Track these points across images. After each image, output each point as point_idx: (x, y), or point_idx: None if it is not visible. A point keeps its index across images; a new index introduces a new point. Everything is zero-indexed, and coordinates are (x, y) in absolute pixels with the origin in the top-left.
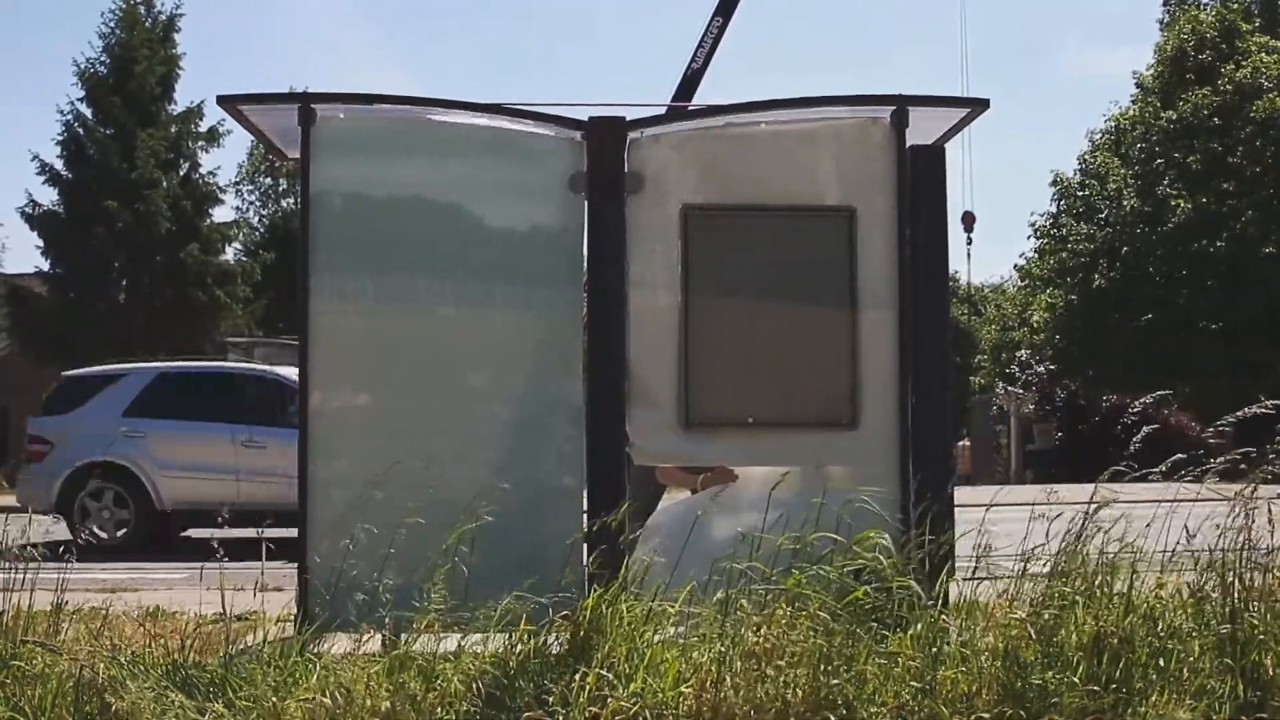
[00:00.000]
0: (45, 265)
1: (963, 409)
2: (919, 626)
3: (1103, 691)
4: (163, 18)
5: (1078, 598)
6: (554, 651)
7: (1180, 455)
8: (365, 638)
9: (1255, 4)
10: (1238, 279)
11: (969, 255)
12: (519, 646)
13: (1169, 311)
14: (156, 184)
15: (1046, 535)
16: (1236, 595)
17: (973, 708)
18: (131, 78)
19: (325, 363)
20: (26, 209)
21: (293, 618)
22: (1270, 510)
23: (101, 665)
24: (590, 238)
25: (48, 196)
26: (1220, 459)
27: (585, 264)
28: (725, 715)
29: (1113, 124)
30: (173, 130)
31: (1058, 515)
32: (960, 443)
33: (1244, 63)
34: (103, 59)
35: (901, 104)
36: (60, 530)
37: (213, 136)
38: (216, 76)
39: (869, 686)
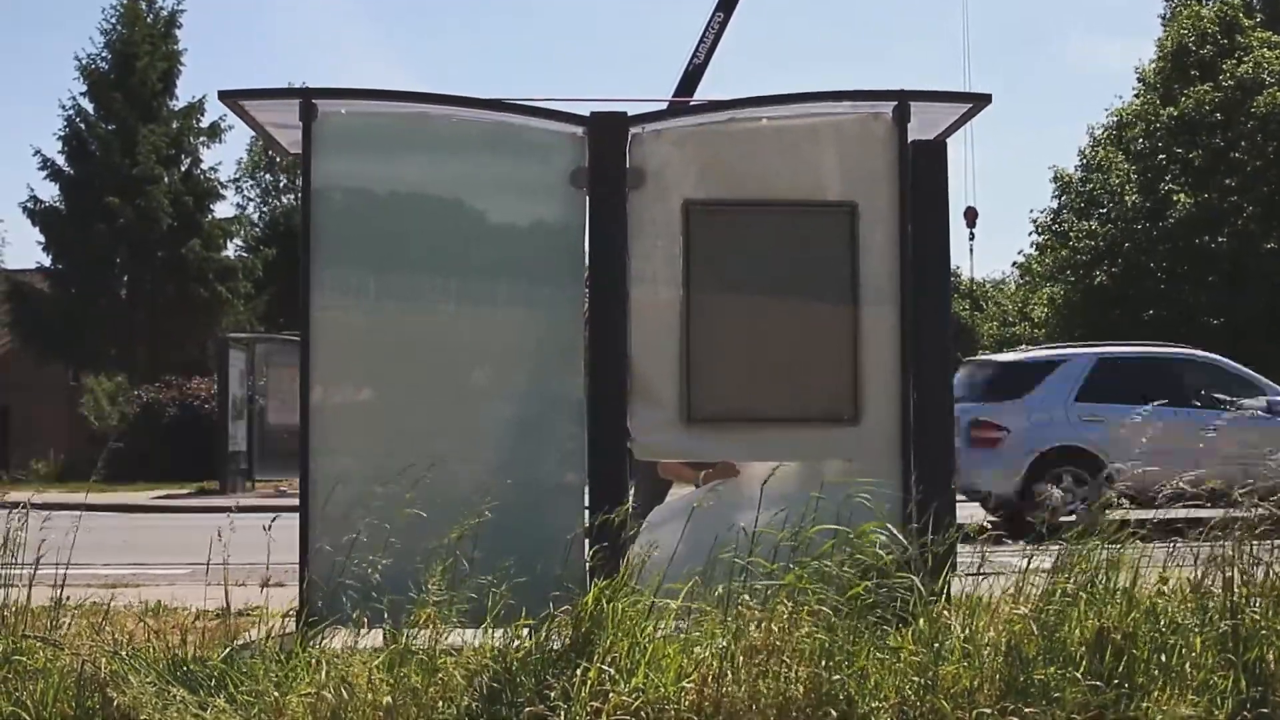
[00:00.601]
0: (47, 261)
1: None
2: (921, 622)
3: (1105, 687)
4: (164, 13)
5: (1080, 593)
6: (555, 647)
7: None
8: (366, 633)
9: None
10: (1240, 275)
11: (971, 250)
12: (520, 641)
13: (1171, 308)
14: (158, 180)
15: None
16: (1237, 591)
17: (975, 703)
18: (133, 73)
19: (327, 359)
20: (28, 204)
21: (294, 613)
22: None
23: (103, 660)
24: (592, 233)
25: (49, 192)
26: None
27: (587, 260)
28: (727, 710)
29: (1114, 118)
30: (174, 126)
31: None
32: None
33: (1245, 58)
34: (104, 55)
35: (903, 99)
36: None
37: (214, 132)
38: (218, 72)
39: (871, 682)
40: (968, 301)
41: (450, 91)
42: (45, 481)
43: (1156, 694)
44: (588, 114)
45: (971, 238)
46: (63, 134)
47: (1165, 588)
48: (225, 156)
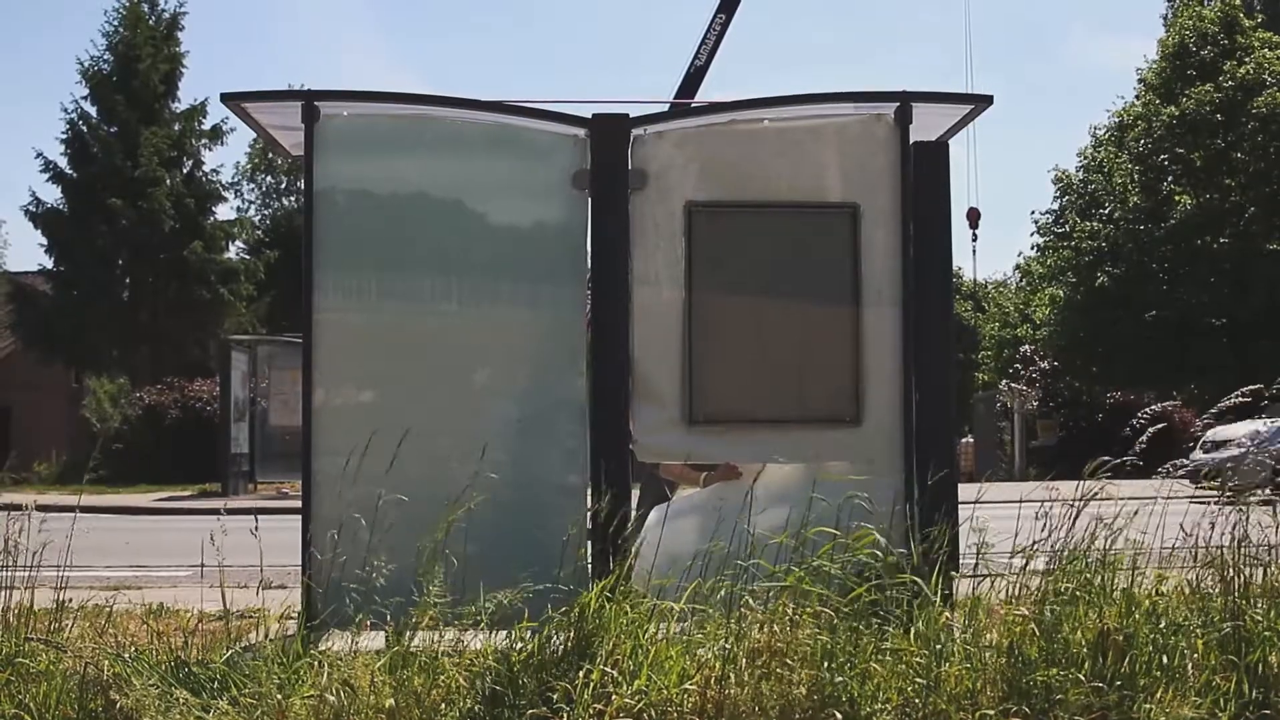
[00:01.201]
0: (49, 263)
1: (966, 405)
2: (921, 623)
3: (1107, 688)
4: (166, 16)
5: (1079, 594)
6: (557, 648)
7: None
8: (368, 634)
9: (1258, 0)
10: (1241, 275)
11: (974, 251)
12: (522, 643)
13: (1172, 309)
14: (160, 182)
15: (1046, 530)
16: (1238, 592)
17: (977, 704)
18: (135, 76)
19: (329, 360)
20: (30, 207)
21: (296, 615)
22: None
23: (106, 662)
24: (594, 235)
25: (51, 194)
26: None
27: (589, 261)
28: (730, 712)
29: (1116, 119)
30: (176, 128)
31: (1049, 511)
32: (963, 439)
33: (1246, 59)
34: (106, 57)
35: (905, 100)
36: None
37: (216, 134)
38: (220, 74)
39: (873, 683)
40: (970, 303)
41: (451, 93)
42: (47, 483)
43: (1159, 695)
44: (589, 116)
45: (974, 239)
46: (65, 136)
47: (1165, 589)
48: (227, 159)
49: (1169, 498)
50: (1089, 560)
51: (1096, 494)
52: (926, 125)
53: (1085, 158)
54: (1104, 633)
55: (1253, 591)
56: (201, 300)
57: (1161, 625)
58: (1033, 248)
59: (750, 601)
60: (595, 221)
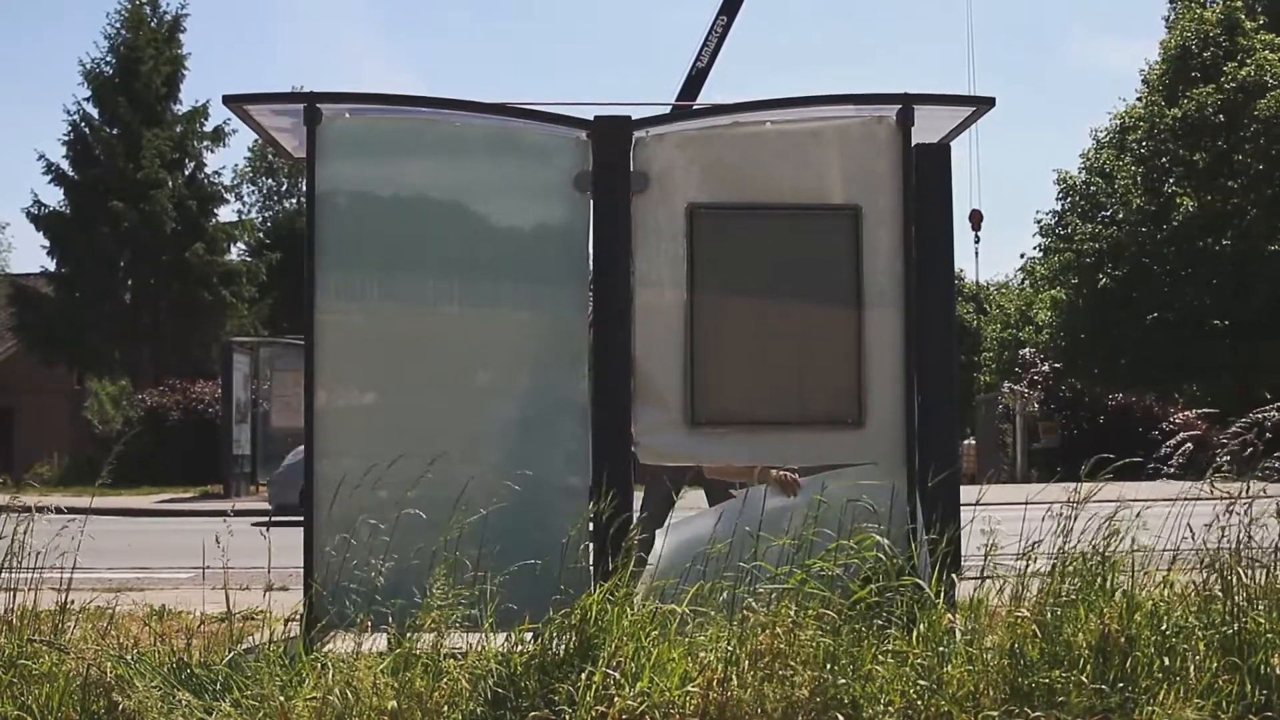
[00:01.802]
0: (51, 265)
1: (968, 407)
2: (923, 626)
3: (1109, 690)
4: (168, 18)
5: (1078, 596)
6: (559, 650)
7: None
8: (370, 636)
9: (1260, 2)
10: (1244, 277)
11: (977, 253)
12: (524, 645)
13: (1175, 310)
14: (162, 184)
15: (1047, 531)
16: (1240, 594)
17: (979, 706)
18: (137, 78)
19: (331, 362)
20: (32, 209)
21: (298, 617)
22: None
23: (108, 664)
24: (596, 237)
25: (54, 196)
26: (1219, 456)
27: (590, 263)
28: (732, 714)
29: (1117, 121)
30: (178, 130)
31: (1053, 511)
32: (965, 441)
33: (1248, 61)
34: (108, 59)
35: (907, 102)
36: None
37: (218, 136)
38: (221, 76)
39: (876, 685)
40: (972, 304)
41: (453, 95)
42: (49, 485)
43: (1161, 697)
44: (591, 118)
45: (977, 240)
46: (67, 138)
47: (1167, 590)
48: (229, 161)
49: (1174, 499)
50: (1090, 562)
51: (1096, 493)
52: (928, 127)
53: (1087, 159)
54: (1106, 635)
55: (1255, 593)
56: (203, 302)
57: (1164, 627)
58: (1035, 249)
59: (753, 604)
60: (597, 223)
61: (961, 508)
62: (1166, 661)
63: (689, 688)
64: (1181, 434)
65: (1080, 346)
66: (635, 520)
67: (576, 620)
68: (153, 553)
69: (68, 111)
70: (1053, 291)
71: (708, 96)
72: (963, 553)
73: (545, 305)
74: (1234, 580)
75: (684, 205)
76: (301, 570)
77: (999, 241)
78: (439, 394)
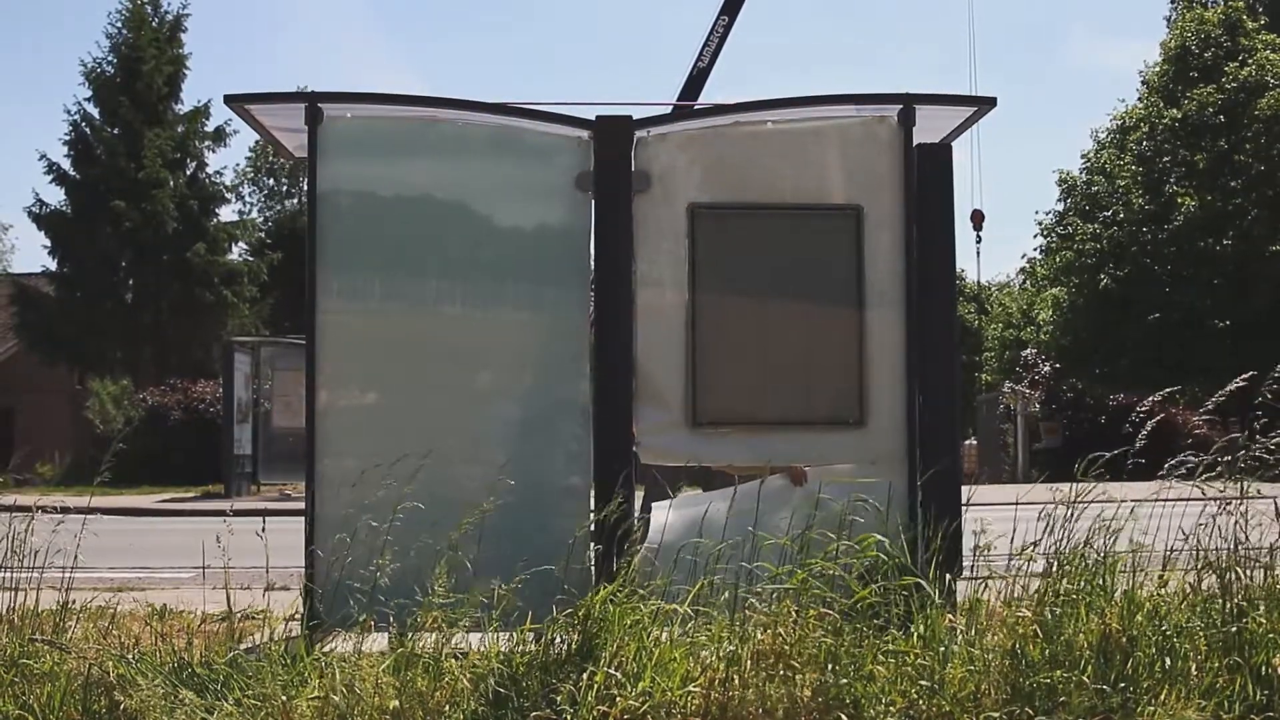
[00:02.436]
0: (52, 265)
1: (969, 407)
2: (923, 626)
3: (1110, 690)
4: (169, 18)
5: (1077, 596)
6: (561, 650)
7: (1186, 454)
8: (371, 636)
9: (1261, 2)
10: (1245, 277)
11: (978, 253)
12: (526, 645)
13: (1176, 310)
14: (163, 184)
15: (1047, 532)
16: (1239, 594)
17: (980, 706)
18: (138, 78)
19: (333, 362)
20: (34, 209)
21: (299, 616)
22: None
23: (110, 663)
24: (597, 237)
25: (55, 196)
26: (1214, 455)
27: (592, 263)
28: (734, 714)
29: (1117, 122)
30: (179, 130)
31: (1051, 512)
32: (966, 441)
33: (1249, 61)
34: (110, 59)
35: (908, 103)
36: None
37: (219, 136)
38: (223, 76)
39: (877, 685)
40: (973, 304)
41: (454, 95)
42: (50, 484)
43: (1163, 697)
44: (593, 118)
45: (978, 240)
46: (68, 138)
47: (1166, 590)
48: (230, 161)
49: (1169, 500)
50: (1089, 561)
51: (1094, 493)
52: (930, 127)
53: (1088, 159)
54: (1107, 634)
55: (1254, 594)
56: (204, 302)
57: (1164, 627)
58: (1036, 249)
59: (755, 603)
60: (598, 223)
61: (962, 506)
62: (1168, 662)
63: (691, 687)
64: (1149, 425)
65: (1081, 346)
66: (636, 521)
67: (579, 620)
68: (154, 552)
69: (69, 111)
70: (1054, 291)
71: (709, 96)
72: (964, 552)
73: (546, 305)
74: (1231, 580)
75: (685, 205)
76: (302, 570)
77: (1000, 241)
78: (440, 394)
